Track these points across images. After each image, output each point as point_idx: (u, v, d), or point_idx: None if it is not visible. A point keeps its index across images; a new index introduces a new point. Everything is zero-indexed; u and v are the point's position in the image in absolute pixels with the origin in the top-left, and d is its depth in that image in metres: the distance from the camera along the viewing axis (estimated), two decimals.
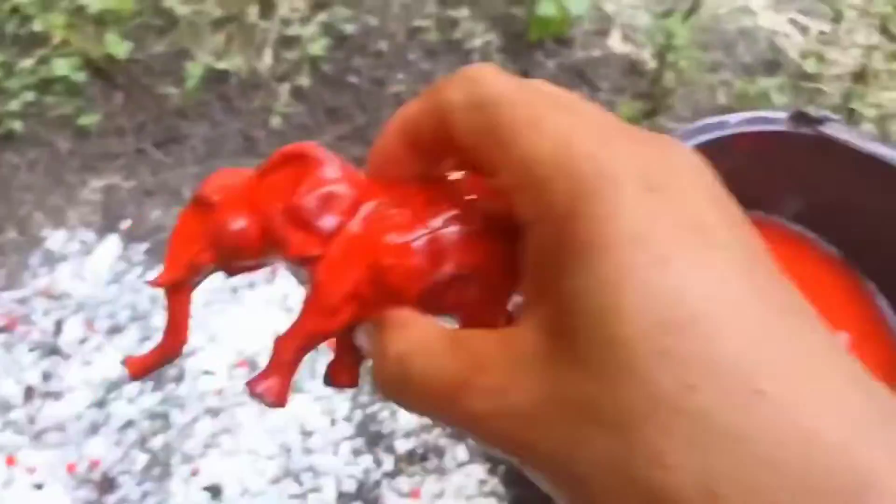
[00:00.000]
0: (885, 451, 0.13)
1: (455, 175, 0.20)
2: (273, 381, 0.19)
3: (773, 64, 0.87)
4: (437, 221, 0.19)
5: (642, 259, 0.14)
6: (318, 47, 0.77)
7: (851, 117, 0.83)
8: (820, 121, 0.51)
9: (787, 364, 0.14)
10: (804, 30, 0.90)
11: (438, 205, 0.19)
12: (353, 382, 0.21)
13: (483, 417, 0.16)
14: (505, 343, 0.17)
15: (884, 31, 0.90)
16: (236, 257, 0.20)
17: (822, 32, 0.89)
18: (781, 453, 0.13)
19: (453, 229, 0.19)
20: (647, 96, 0.81)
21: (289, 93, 0.76)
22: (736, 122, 0.53)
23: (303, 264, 0.19)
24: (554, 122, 0.16)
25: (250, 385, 0.19)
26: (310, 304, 0.19)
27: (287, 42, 0.79)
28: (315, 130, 0.75)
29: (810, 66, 0.85)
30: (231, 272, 0.21)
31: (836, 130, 0.52)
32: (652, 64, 0.83)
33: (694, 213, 0.15)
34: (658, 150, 0.16)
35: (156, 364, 0.21)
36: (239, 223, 0.19)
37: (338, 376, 0.20)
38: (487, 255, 0.19)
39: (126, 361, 0.20)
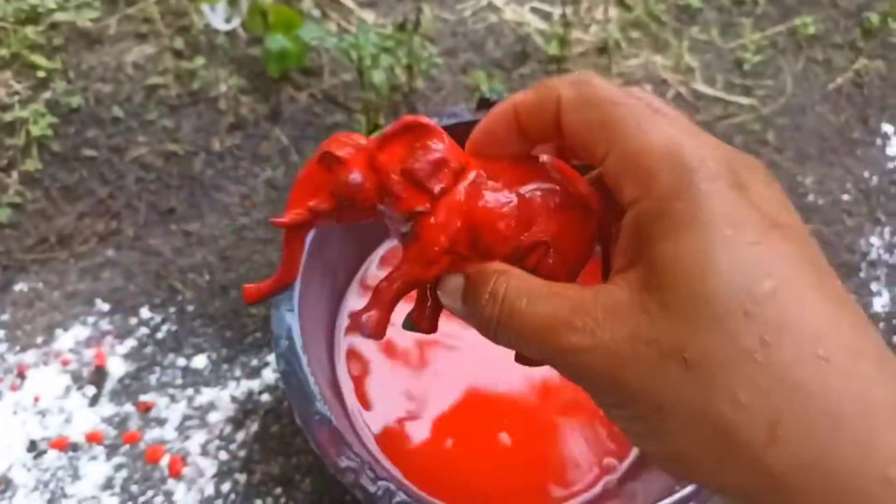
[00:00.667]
0: None
1: (542, 157, 0.24)
2: (374, 314, 0.23)
3: (521, 54, 0.89)
4: (526, 193, 0.23)
5: (735, 237, 0.18)
6: (42, 126, 0.73)
7: None
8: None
9: (844, 339, 0.18)
10: (546, 16, 0.93)
11: (528, 179, 0.23)
12: (433, 328, 0.25)
13: (578, 351, 0.19)
14: (599, 294, 0.20)
15: (619, 3, 0.94)
16: (352, 207, 0.23)
17: (562, 16, 0.92)
18: (838, 408, 0.17)
19: (539, 202, 0.23)
20: (403, 109, 0.81)
21: (17, 181, 0.71)
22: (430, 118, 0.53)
23: (410, 218, 0.23)
24: (656, 123, 0.20)
25: (354, 315, 0.24)
26: (411, 254, 0.23)
27: (7, 129, 0.74)
28: (54, 214, 0.70)
29: (555, 49, 0.87)
30: (342, 221, 0.24)
31: None
32: (403, 78, 0.83)
33: (771, 210, 0.19)
34: (735, 152, 0.21)
35: (271, 292, 0.24)
36: (359, 177, 0.23)
37: (420, 321, 0.25)
38: (565, 227, 0.23)
39: (243, 288, 0.24)
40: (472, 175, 0.23)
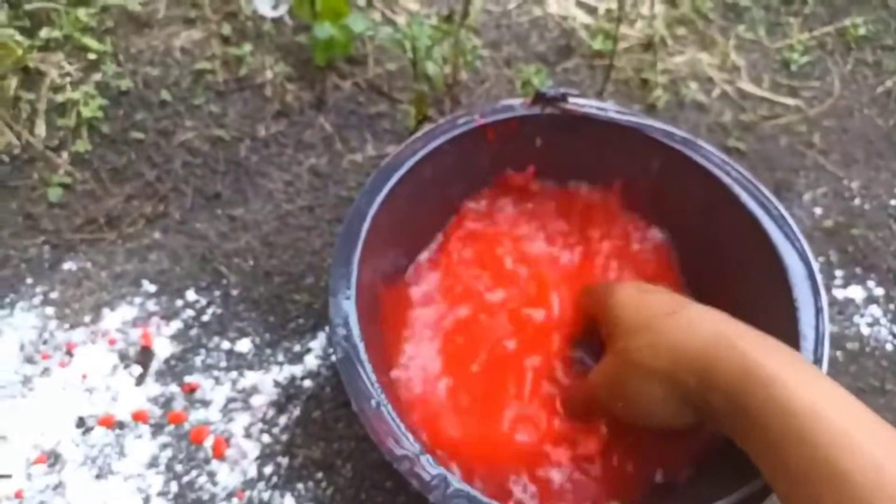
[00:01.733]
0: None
1: None
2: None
3: (566, 49, 0.88)
4: None
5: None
6: (93, 108, 0.74)
7: (646, 86, 0.85)
8: (558, 98, 0.52)
9: (667, 307, 0.43)
10: (592, 11, 0.92)
11: None
12: None
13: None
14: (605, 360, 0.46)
15: (666, 0, 0.93)
16: None
17: (608, 10, 0.91)
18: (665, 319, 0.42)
19: None
20: (446, 101, 0.81)
21: (68, 161, 0.72)
22: (483, 111, 0.53)
23: None
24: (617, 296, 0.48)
25: None
26: None
27: (59, 109, 0.75)
28: (103, 195, 0.71)
29: (600, 44, 0.87)
30: None
31: (578, 105, 0.52)
32: (447, 69, 0.82)
33: (661, 305, 0.44)
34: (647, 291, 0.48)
35: None
36: None
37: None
38: None
39: None
40: None
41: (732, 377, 0.34)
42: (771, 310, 0.47)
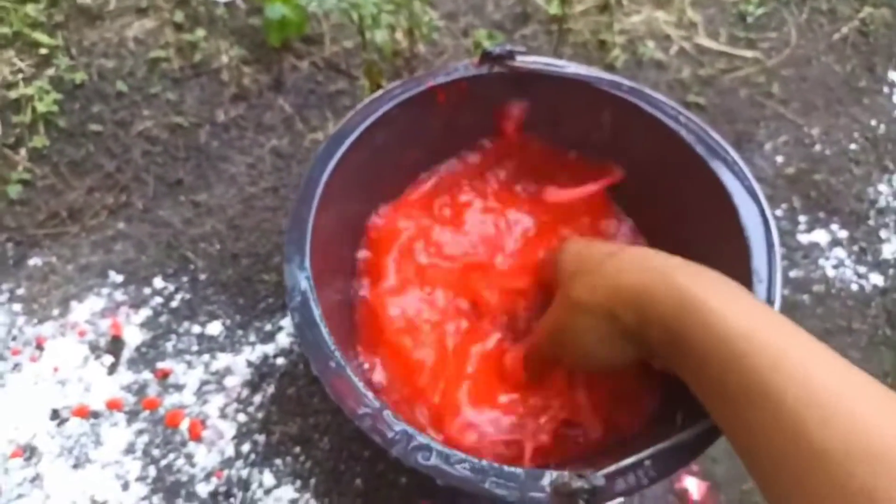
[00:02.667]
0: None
1: None
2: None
3: (522, 15, 0.88)
4: None
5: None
6: (48, 103, 0.73)
7: (603, 47, 0.85)
8: (504, 56, 0.52)
9: (608, 249, 0.44)
10: None
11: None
12: None
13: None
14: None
15: None
16: None
17: None
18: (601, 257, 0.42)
19: None
20: (405, 74, 0.80)
21: (26, 158, 0.72)
22: (431, 75, 0.52)
23: None
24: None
25: None
26: None
27: (13, 107, 0.74)
28: (64, 189, 0.71)
29: (556, 8, 0.87)
30: None
31: (526, 62, 0.52)
32: (405, 43, 0.82)
33: (602, 249, 0.44)
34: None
35: None
36: None
37: None
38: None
39: None
40: None
41: (668, 309, 0.34)
42: (725, 251, 0.47)
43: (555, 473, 0.37)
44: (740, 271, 0.44)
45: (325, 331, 0.41)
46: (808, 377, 0.28)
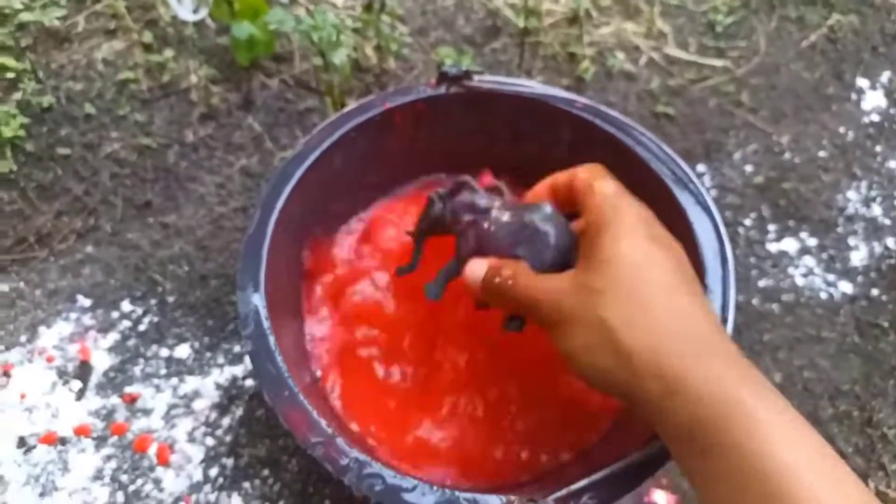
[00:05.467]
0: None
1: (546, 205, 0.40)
2: (435, 285, 0.44)
3: (492, 29, 0.88)
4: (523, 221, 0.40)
5: (629, 245, 0.35)
6: (14, 128, 0.73)
7: (573, 60, 0.85)
8: (461, 77, 0.52)
9: (665, 279, 0.34)
10: None
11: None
12: (441, 296, 0.44)
13: (544, 292, 0.36)
14: (562, 277, 0.36)
15: None
16: (438, 228, 0.45)
17: None
18: (663, 316, 0.33)
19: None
20: (374, 90, 0.81)
21: None
22: (388, 96, 0.53)
23: (459, 234, 0.43)
24: (617, 204, 0.37)
25: (425, 286, 0.44)
26: (460, 253, 0.42)
27: None
28: (32, 213, 0.71)
29: (527, 22, 0.87)
30: (437, 235, 0.46)
31: (483, 82, 0.53)
32: (374, 59, 0.83)
33: (664, 281, 0.34)
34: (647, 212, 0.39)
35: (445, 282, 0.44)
36: (439, 211, 0.44)
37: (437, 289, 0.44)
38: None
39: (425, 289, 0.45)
40: (493, 211, 0.41)
41: (710, 412, 0.30)
42: None
43: (504, 498, 0.37)
44: None
45: (279, 359, 0.41)
46: None
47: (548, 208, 0.40)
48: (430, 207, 0.44)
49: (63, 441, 0.60)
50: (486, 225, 0.40)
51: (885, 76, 0.87)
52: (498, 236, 0.40)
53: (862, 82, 0.87)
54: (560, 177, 0.41)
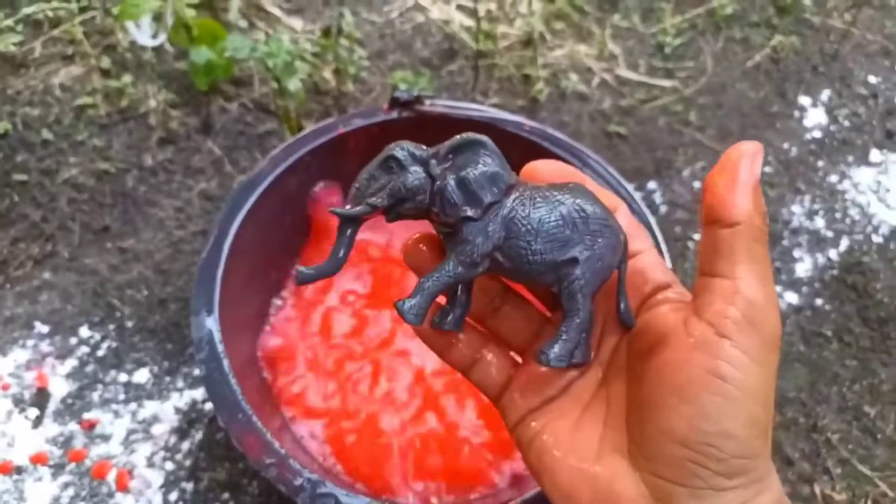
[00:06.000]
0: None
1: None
2: (417, 302, 0.25)
3: (449, 52, 0.91)
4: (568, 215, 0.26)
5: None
6: None
7: (528, 81, 0.88)
8: (412, 101, 0.53)
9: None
10: (472, 13, 0.94)
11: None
12: (459, 327, 0.27)
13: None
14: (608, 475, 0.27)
15: None
16: (404, 204, 0.25)
17: (489, 12, 0.94)
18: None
19: (580, 225, 0.26)
20: (333, 112, 0.82)
21: None
22: (342, 121, 0.54)
23: (459, 222, 0.25)
24: None
25: (397, 302, 0.25)
26: (459, 255, 0.25)
27: None
28: None
29: (482, 45, 0.89)
30: (392, 218, 0.26)
31: (433, 106, 0.54)
32: (333, 82, 0.84)
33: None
34: None
35: (317, 277, 0.26)
36: (418, 180, 0.25)
37: (448, 319, 0.27)
38: (599, 250, 0.26)
39: (297, 270, 0.27)
40: (520, 191, 0.25)
41: None
42: None
43: None
44: None
45: (233, 381, 0.42)
46: None
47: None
48: (397, 171, 0.26)
49: (19, 470, 0.59)
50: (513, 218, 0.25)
51: (825, 94, 0.91)
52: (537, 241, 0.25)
53: (804, 100, 0.90)
54: None
